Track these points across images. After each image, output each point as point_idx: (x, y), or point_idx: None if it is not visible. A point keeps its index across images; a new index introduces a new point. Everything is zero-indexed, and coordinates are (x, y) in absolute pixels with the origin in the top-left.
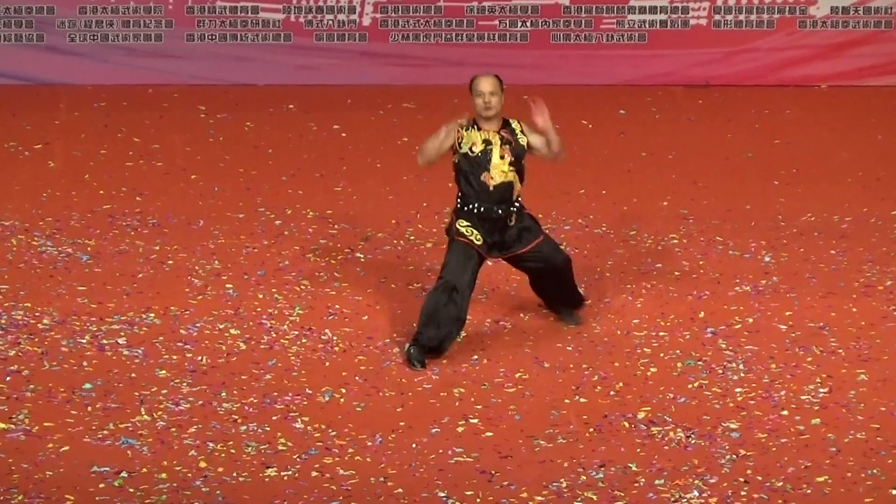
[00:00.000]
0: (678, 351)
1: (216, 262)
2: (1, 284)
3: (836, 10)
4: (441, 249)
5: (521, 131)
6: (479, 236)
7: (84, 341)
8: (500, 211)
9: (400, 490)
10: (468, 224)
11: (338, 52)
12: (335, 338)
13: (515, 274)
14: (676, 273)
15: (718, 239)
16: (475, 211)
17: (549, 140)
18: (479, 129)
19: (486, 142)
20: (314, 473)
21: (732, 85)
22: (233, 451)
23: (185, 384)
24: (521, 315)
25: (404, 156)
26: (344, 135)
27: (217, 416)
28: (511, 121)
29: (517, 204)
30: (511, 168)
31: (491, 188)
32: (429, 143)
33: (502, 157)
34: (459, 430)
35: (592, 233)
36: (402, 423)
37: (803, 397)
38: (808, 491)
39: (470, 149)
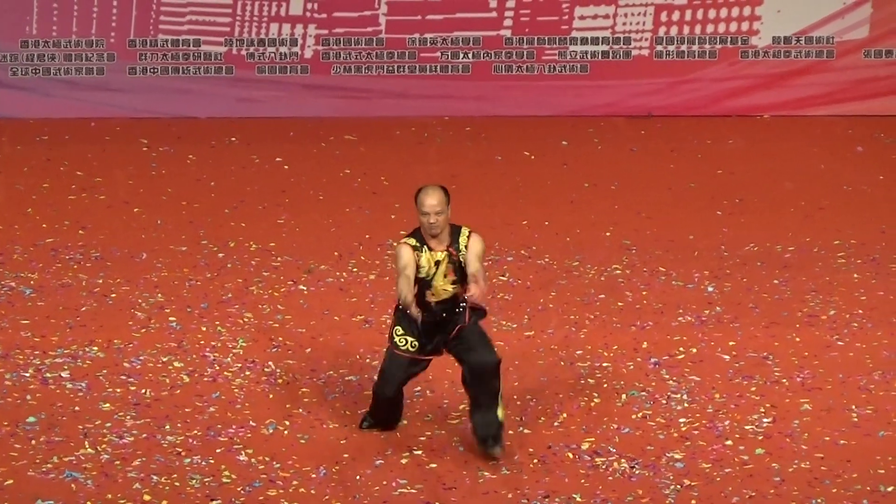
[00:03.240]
0: (622, 381)
1: (159, 294)
2: None
3: (778, 41)
4: (384, 282)
5: (466, 245)
6: (414, 343)
7: (27, 375)
8: (444, 314)
9: None
10: (403, 332)
11: (280, 85)
12: (279, 370)
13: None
14: (620, 304)
15: (661, 269)
16: (420, 318)
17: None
18: (430, 249)
19: (437, 262)
20: None
21: (675, 115)
22: (177, 483)
23: (128, 417)
24: None
25: (346, 188)
26: (286, 167)
27: (161, 449)
28: (461, 231)
29: (462, 306)
30: (453, 284)
31: (433, 304)
32: (403, 287)
33: (445, 276)
34: (403, 461)
35: (535, 263)
36: (346, 455)
37: (747, 427)
38: None
39: (425, 271)
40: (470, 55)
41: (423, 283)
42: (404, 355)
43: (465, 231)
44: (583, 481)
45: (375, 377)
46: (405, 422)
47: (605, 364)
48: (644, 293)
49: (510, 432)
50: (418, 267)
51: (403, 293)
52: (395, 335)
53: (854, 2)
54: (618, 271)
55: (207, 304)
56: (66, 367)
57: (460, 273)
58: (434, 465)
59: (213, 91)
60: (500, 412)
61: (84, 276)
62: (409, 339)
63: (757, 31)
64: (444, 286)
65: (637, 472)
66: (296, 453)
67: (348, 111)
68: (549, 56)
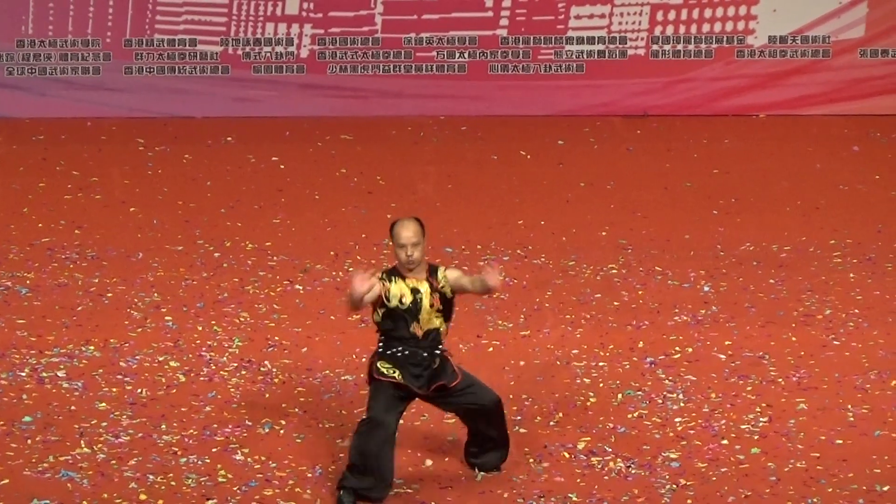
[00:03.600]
0: (618, 381)
1: (155, 294)
2: None
3: (774, 40)
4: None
5: (445, 278)
6: (399, 374)
7: (24, 374)
8: (425, 354)
9: None
10: (389, 365)
11: (276, 85)
12: (275, 370)
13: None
14: (616, 303)
15: (657, 269)
16: (398, 354)
17: (489, 288)
18: (404, 278)
19: (415, 290)
20: None
21: (671, 115)
22: (173, 483)
23: (124, 416)
24: (461, 347)
25: (342, 187)
26: (282, 167)
27: (157, 449)
28: (438, 268)
29: (441, 348)
30: (439, 314)
31: (420, 336)
32: (350, 300)
33: (432, 306)
34: (399, 461)
35: (531, 263)
36: (342, 455)
37: (743, 426)
38: None
39: (400, 301)
40: (466, 55)
41: (408, 315)
42: (395, 378)
43: (441, 267)
44: (579, 481)
45: (357, 427)
46: (402, 420)
47: (601, 363)
48: (640, 293)
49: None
50: (389, 297)
51: (350, 300)
52: (380, 366)
53: (850, 1)
54: (614, 271)
55: (203, 304)
56: (62, 367)
57: (446, 308)
58: (430, 465)
59: (209, 91)
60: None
61: (80, 276)
62: (396, 370)
63: (753, 31)
64: (430, 315)
65: (633, 471)
66: (292, 453)
67: (344, 111)
68: (545, 56)
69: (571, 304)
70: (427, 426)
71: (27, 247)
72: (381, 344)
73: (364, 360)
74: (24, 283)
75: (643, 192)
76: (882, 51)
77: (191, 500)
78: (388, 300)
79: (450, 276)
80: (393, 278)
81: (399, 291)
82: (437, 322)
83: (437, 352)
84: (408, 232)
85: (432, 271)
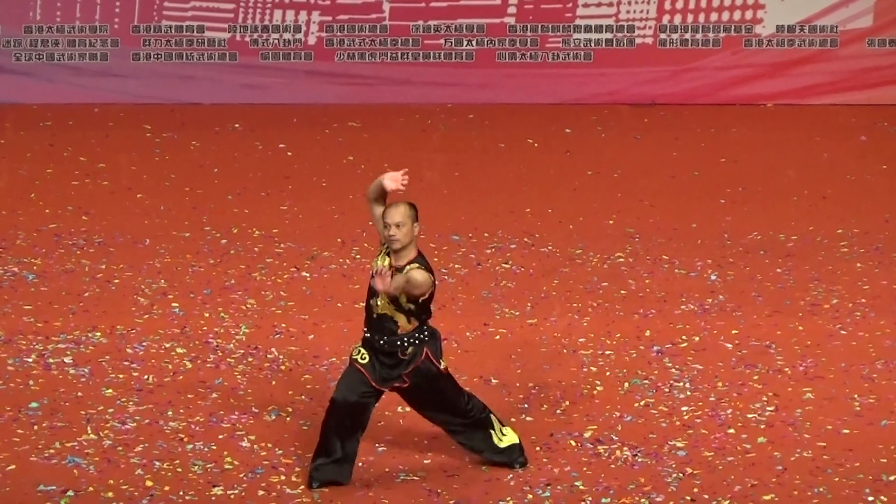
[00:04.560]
0: (624, 370)
1: (162, 281)
2: None
3: (782, 29)
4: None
5: (406, 270)
6: (365, 356)
7: (30, 360)
8: (381, 342)
9: None
10: (360, 346)
11: (283, 72)
12: (281, 357)
13: (462, 293)
14: (622, 292)
15: (664, 257)
16: (365, 335)
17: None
18: (388, 255)
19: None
20: (261, 492)
21: (678, 104)
22: (179, 469)
23: (131, 403)
24: (467, 334)
25: (350, 174)
26: (290, 153)
27: (163, 435)
28: (412, 263)
29: (406, 342)
30: (392, 305)
31: (375, 315)
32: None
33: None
34: (405, 449)
35: (538, 251)
36: None
37: (749, 416)
38: None
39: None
40: (474, 42)
41: (371, 289)
42: (358, 362)
43: (415, 265)
44: (585, 469)
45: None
46: (408, 408)
47: (607, 352)
48: (647, 281)
49: (512, 419)
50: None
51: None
52: (353, 348)
53: None
54: (621, 259)
55: (210, 291)
56: (68, 353)
57: (393, 300)
58: (436, 453)
59: (216, 77)
60: (496, 440)
61: (87, 262)
62: (364, 352)
63: (761, 20)
64: (384, 301)
65: (639, 460)
66: (298, 440)
67: (352, 98)
68: (552, 44)
69: (578, 292)
70: None
71: (34, 233)
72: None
73: None
74: (31, 269)
75: (650, 181)
76: (890, 40)
77: (197, 486)
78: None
79: (406, 271)
80: (383, 253)
81: (375, 266)
82: (388, 310)
83: (401, 343)
84: (394, 213)
85: (410, 262)
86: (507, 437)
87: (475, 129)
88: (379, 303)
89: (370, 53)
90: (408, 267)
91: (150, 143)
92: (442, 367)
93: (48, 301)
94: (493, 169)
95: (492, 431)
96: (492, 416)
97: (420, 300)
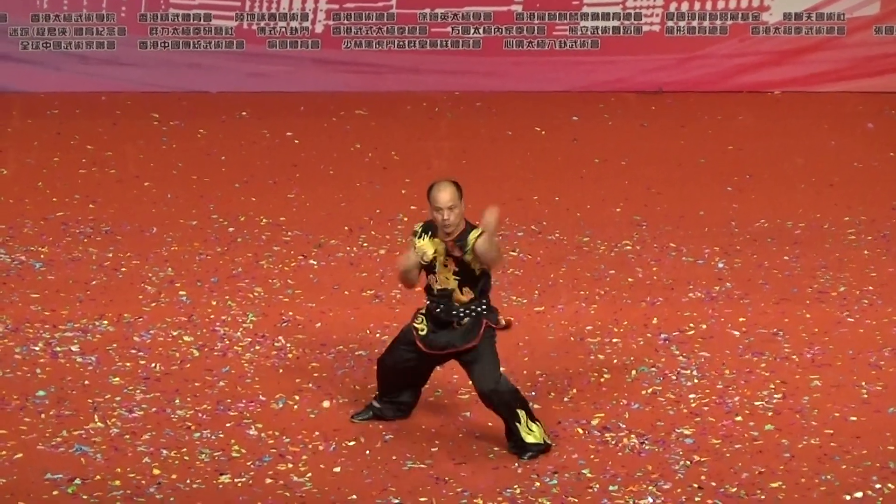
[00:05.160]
0: (632, 357)
1: (169, 269)
2: None
3: (789, 17)
4: (394, 257)
5: (473, 241)
6: (423, 327)
7: (37, 349)
8: (439, 310)
9: (354, 496)
10: (422, 315)
11: (290, 60)
12: (288, 345)
13: None
14: (630, 279)
15: (672, 245)
16: (429, 305)
17: (484, 236)
18: (434, 236)
19: (436, 251)
20: (268, 480)
21: (685, 91)
22: (186, 458)
23: (138, 391)
24: None
25: (357, 162)
26: (297, 142)
27: (171, 423)
28: (473, 230)
29: (465, 311)
30: (455, 277)
31: (435, 292)
32: (405, 276)
33: (445, 266)
34: (413, 436)
35: (546, 239)
36: (355, 430)
37: (757, 403)
38: (762, 497)
39: (423, 256)
40: (481, 30)
41: (427, 269)
42: (416, 329)
43: (477, 230)
44: (592, 457)
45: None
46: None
47: (614, 340)
48: (654, 269)
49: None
50: (416, 250)
51: (404, 260)
52: (415, 318)
53: None
54: (628, 247)
55: (217, 279)
56: (75, 341)
57: (464, 272)
58: (443, 440)
59: (223, 65)
60: (524, 434)
61: (94, 250)
62: (424, 322)
63: (768, 7)
64: (445, 274)
65: (647, 447)
66: (305, 428)
67: (359, 86)
68: (559, 31)
69: (585, 280)
70: (441, 402)
71: (41, 221)
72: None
73: (378, 335)
74: (39, 258)
75: (657, 169)
76: None
77: (204, 474)
78: (416, 254)
79: (479, 243)
80: (426, 234)
81: (428, 247)
82: (452, 284)
83: (460, 313)
84: (444, 195)
85: (466, 233)
86: (533, 434)
87: (482, 116)
88: (442, 279)
89: (377, 41)
90: (473, 233)
91: (158, 132)
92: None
93: (55, 289)
94: (500, 157)
95: (518, 425)
96: (521, 410)
97: (481, 269)
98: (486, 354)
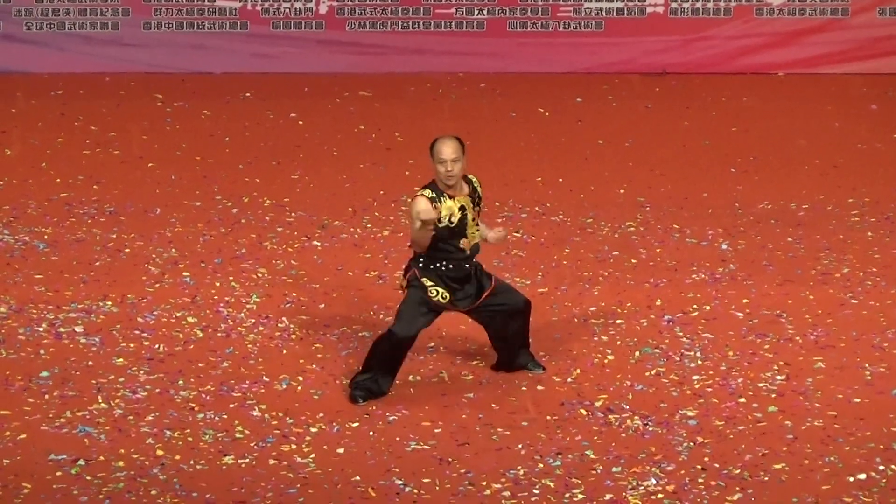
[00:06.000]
0: (635, 339)
1: (173, 250)
2: None
3: None
4: (398, 238)
5: (479, 186)
6: (445, 294)
7: (41, 329)
8: (467, 266)
9: (357, 477)
10: (432, 284)
11: (294, 41)
12: (292, 326)
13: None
14: (633, 261)
15: (675, 227)
16: (443, 268)
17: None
18: (449, 197)
19: (462, 208)
20: (271, 461)
21: (689, 73)
22: (190, 438)
23: (142, 372)
24: None
25: (361, 144)
26: (301, 123)
27: (174, 404)
28: (471, 178)
29: (470, 259)
30: (478, 227)
31: (468, 251)
32: (418, 235)
33: (473, 220)
34: (416, 417)
35: (549, 220)
36: (359, 411)
37: (760, 385)
38: (766, 478)
39: (449, 220)
40: (485, 11)
41: (454, 233)
42: (440, 302)
43: (472, 177)
44: (596, 438)
45: (381, 335)
46: (418, 377)
47: (618, 321)
48: (658, 250)
49: (523, 388)
50: (440, 217)
51: (419, 235)
52: (424, 283)
53: None
54: (632, 228)
55: (221, 260)
56: (79, 322)
57: (479, 214)
58: (447, 422)
59: (227, 46)
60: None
61: (98, 231)
62: (440, 290)
63: None
64: (473, 229)
65: (650, 429)
66: (309, 409)
67: (363, 67)
68: (563, 13)
69: (589, 261)
70: (443, 383)
71: (45, 202)
72: (422, 259)
73: (381, 316)
74: (42, 238)
75: (661, 150)
76: None
77: (208, 455)
78: (441, 220)
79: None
80: (441, 198)
81: (449, 210)
82: (478, 235)
83: (470, 262)
84: (448, 148)
85: (469, 183)
86: None
87: (486, 98)
88: (472, 235)
89: (381, 22)
90: (475, 182)
91: (161, 113)
92: None
93: (59, 270)
94: (504, 138)
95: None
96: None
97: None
98: (502, 282)
